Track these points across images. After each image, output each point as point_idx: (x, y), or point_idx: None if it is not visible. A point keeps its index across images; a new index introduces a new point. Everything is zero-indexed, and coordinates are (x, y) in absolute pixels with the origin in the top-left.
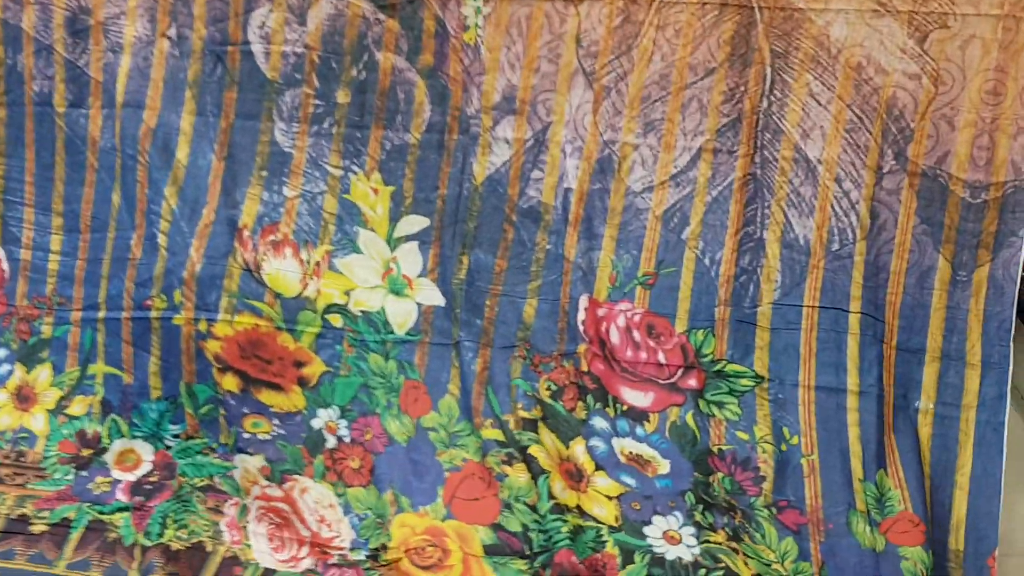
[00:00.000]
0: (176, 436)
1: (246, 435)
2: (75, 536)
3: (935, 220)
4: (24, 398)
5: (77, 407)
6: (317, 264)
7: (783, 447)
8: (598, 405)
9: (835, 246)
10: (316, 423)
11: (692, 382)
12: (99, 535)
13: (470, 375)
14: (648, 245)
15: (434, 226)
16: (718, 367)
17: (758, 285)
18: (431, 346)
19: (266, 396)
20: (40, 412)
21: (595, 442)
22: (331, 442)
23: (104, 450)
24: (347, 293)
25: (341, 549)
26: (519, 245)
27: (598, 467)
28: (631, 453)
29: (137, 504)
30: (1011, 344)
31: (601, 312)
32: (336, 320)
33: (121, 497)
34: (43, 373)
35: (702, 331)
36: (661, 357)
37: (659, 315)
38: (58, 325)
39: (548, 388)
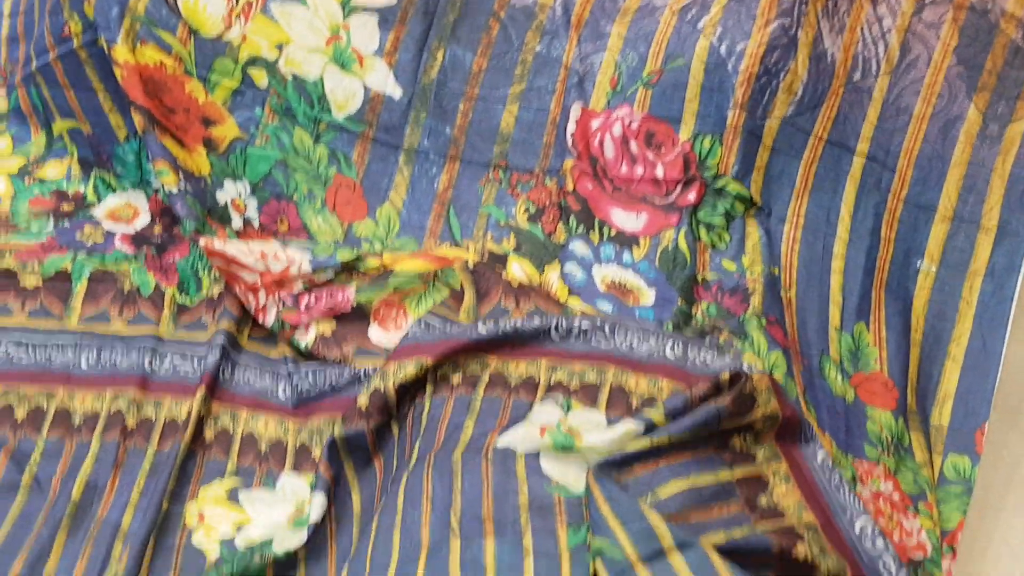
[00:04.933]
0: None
1: (156, 183)
2: (80, 289)
3: (974, 63)
4: None
5: (52, 171)
6: (249, 2)
7: (774, 270)
8: (580, 229)
9: (856, 75)
10: (221, 196)
11: (691, 196)
12: (110, 286)
13: (430, 193)
14: (658, 40)
15: (401, 6)
16: (720, 183)
17: (775, 94)
18: (374, 144)
19: (170, 144)
20: None
21: (571, 268)
22: (237, 223)
23: (91, 205)
24: (279, 48)
25: (302, 275)
26: (504, 43)
27: (572, 293)
28: (613, 281)
29: (148, 255)
30: None
31: (595, 123)
32: (260, 78)
33: (123, 247)
34: (0, 144)
35: (709, 137)
36: (659, 171)
37: (661, 120)
38: (10, 94)
39: (526, 211)
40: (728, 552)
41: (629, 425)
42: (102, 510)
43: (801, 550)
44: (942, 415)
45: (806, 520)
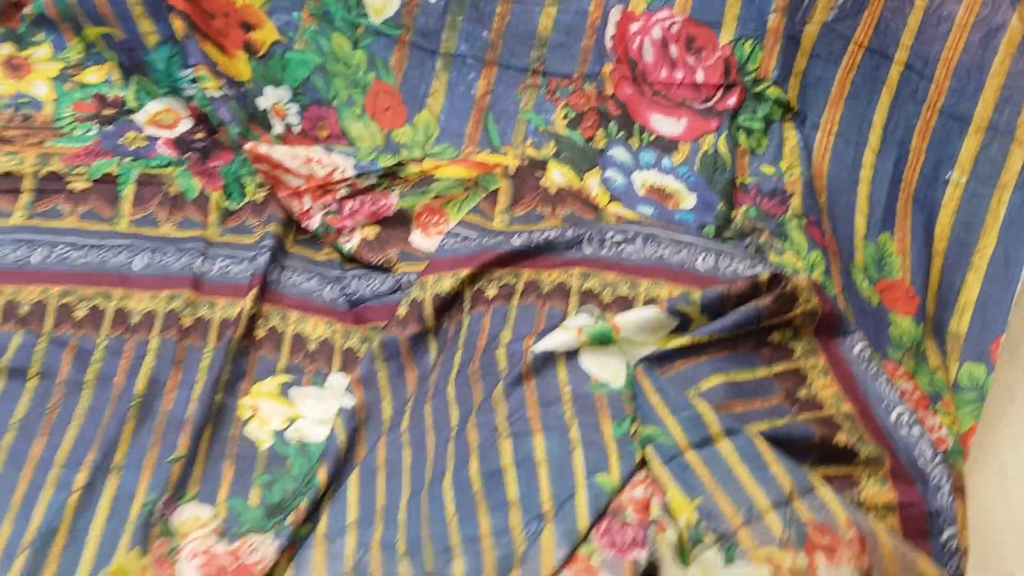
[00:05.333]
0: (193, 81)
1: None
2: (127, 192)
3: None
4: (15, 67)
5: (92, 76)
6: None
7: (811, 173)
8: (621, 134)
9: None
10: (262, 102)
11: (731, 101)
12: (157, 190)
13: (468, 99)
14: None
15: None
16: (760, 87)
17: None
18: (411, 48)
19: (211, 50)
20: (40, 80)
21: (612, 174)
22: (278, 128)
23: (131, 111)
24: None
25: (346, 180)
26: None
27: (613, 199)
28: (653, 186)
29: (192, 160)
30: None
31: (635, 27)
32: None
33: (166, 152)
34: (40, 52)
35: (750, 42)
36: (699, 76)
37: (701, 23)
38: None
39: (565, 116)
40: (771, 441)
41: (662, 314)
42: (165, 404)
43: (841, 438)
44: (961, 323)
45: (844, 410)
